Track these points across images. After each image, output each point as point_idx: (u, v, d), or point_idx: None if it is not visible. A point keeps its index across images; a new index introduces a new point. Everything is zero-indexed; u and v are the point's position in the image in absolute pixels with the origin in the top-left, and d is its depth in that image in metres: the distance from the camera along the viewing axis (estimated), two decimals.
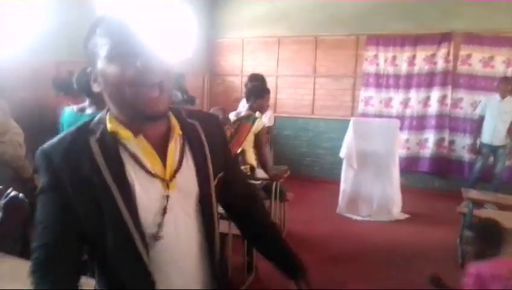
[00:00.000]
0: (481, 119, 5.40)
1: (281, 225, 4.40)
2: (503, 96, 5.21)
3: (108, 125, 0.98)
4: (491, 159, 5.40)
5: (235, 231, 3.05)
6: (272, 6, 6.97)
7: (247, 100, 3.73)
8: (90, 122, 1.02)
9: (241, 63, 7.32)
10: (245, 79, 4.70)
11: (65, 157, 0.95)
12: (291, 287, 1.26)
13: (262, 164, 3.59)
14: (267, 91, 3.77)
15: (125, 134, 0.98)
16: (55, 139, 0.99)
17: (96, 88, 1.00)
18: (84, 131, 0.99)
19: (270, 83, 5.23)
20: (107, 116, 1.00)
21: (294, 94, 7.07)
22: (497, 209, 3.38)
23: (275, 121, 5.43)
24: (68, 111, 2.69)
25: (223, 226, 2.94)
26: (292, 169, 4.57)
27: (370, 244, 4.32)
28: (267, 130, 4.39)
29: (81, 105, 2.69)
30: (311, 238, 4.44)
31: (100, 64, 0.94)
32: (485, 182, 5.38)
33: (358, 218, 5.10)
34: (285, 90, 7.11)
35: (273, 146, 5.65)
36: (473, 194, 3.95)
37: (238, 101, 5.95)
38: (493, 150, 5.33)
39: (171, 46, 6.34)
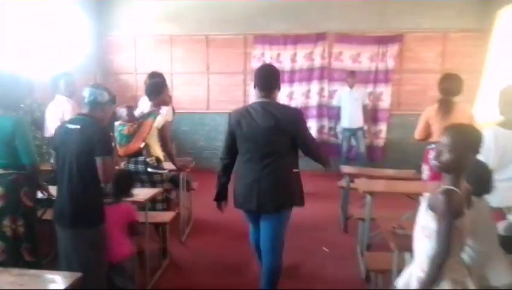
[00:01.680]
0: (339, 108, 6.39)
1: (188, 213, 4.72)
2: (351, 87, 6.26)
3: None
4: (353, 141, 6.43)
5: (151, 219, 3.32)
6: (163, 5, 7.17)
7: (149, 99, 3.91)
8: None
9: (134, 61, 7.39)
10: (140, 77, 4.86)
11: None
12: None
13: (169, 156, 3.85)
14: (163, 86, 4.00)
15: None
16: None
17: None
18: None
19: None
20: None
21: (189, 91, 7.38)
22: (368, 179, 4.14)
23: (174, 115, 5.67)
24: None
25: (141, 217, 3.19)
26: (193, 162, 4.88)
27: None
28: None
29: None
30: (217, 223, 4.82)
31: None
32: (353, 161, 6.35)
33: None
34: (181, 88, 7.38)
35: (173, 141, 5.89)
36: (349, 169, 4.72)
37: (134, 99, 6.06)
38: (353, 132, 6.34)
39: (59, 44, 6.16)
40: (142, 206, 3.09)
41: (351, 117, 6.29)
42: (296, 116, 2.65)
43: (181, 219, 4.28)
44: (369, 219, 3.36)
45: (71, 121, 2.51)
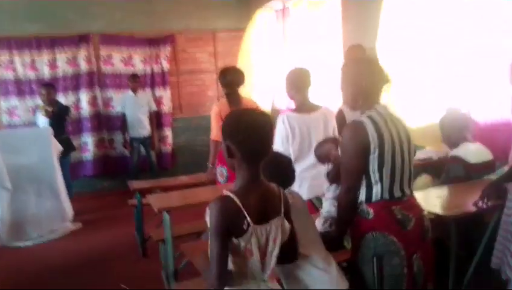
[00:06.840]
0: (123, 115, 5.78)
1: None
2: (135, 92, 5.74)
3: None
4: (143, 149, 5.90)
5: None
6: None
7: None
8: None
9: None
10: None
11: None
12: None
13: None
14: None
15: None
16: None
17: None
18: None
19: None
20: None
21: None
22: (162, 193, 3.67)
23: None
24: None
25: None
26: None
27: (51, 266, 3.92)
28: None
29: None
30: None
31: None
32: (145, 172, 5.83)
33: (29, 243, 4.48)
34: None
35: None
36: (138, 184, 4.15)
37: None
38: (142, 141, 5.84)
39: None
40: None
41: (139, 125, 5.74)
42: None
43: None
44: (171, 240, 2.88)
45: None
